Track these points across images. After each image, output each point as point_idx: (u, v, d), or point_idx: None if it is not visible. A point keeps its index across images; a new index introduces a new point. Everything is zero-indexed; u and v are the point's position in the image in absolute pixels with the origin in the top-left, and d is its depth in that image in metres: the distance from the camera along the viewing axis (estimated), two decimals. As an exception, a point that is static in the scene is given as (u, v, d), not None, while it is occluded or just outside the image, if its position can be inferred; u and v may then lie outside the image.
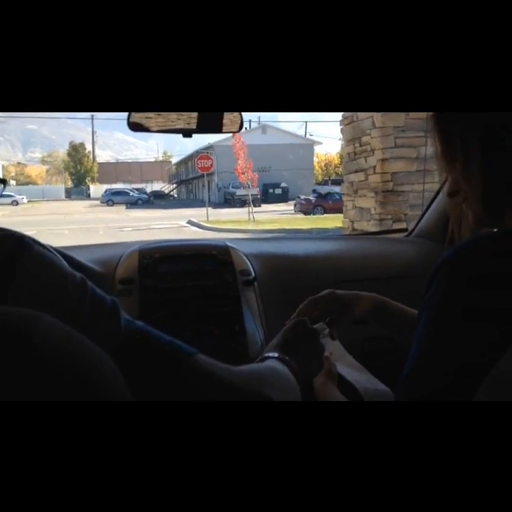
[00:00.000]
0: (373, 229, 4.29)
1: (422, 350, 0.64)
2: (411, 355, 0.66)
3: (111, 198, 32.05)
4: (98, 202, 33.29)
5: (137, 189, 38.77)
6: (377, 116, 4.43)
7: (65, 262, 0.56)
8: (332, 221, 12.37)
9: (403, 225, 4.02)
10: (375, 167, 4.53)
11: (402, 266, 1.50)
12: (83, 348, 0.39)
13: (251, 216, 16.90)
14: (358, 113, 4.69)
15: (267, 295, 1.32)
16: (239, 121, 1.28)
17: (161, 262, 1.27)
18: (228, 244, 1.38)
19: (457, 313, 0.60)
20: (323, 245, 1.61)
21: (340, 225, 6.29)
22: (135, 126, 1.18)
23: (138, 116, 1.24)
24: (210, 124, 1.33)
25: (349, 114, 4.90)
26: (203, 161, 19.17)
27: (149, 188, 44.56)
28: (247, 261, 1.35)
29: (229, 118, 1.36)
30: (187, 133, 1.20)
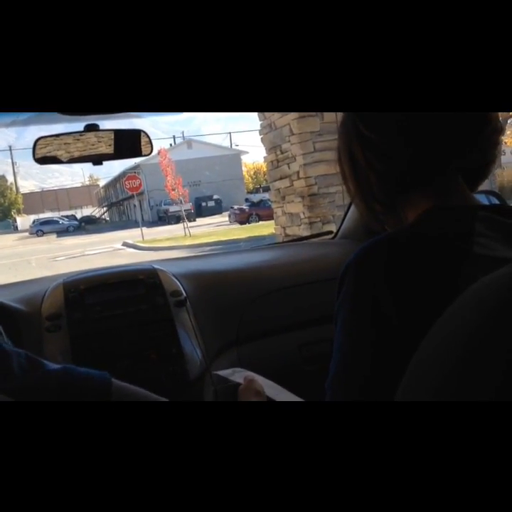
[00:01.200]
0: (305, 233, 4.38)
1: (341, 354, 0.67)
2: (333, 359, 0.69)
3: (40, 228, 30.94)
4: (27, 234, 32.05)
5: (66, 216, 37.63)
6: (294, 123, 4.54)
7: None
8: (267, 228, 12.49)
9: (332, 226, 4.13)
10: (298, 172, 4.62)
11: (329, 269, 1.53)
12: None
13: (187, 231, 16.81)
14: (276, 122, 4.80)
15: (201, 313, 1.32)
16: (150, 144, 1.29)
17: (87, 293, 1.25)
18: (156, 266, 1.37)
19: (367, 313, 0.63)
20: (252, 257, 1.63)
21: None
22: (42, 161, 1.16)
23: (46, 149, 1.21)
24: (127, 148, 1.32)
25: (266, 123, 5.01)
26: (130, 181, 18.93)
27: (79, 214, 43.40)
28: (177, 281, 1.34)
29: (144, 140, 1.36)
30: (97, 161, 1.18)
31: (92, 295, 1.25)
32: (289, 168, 4.74)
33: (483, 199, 1.20)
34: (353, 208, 1.71)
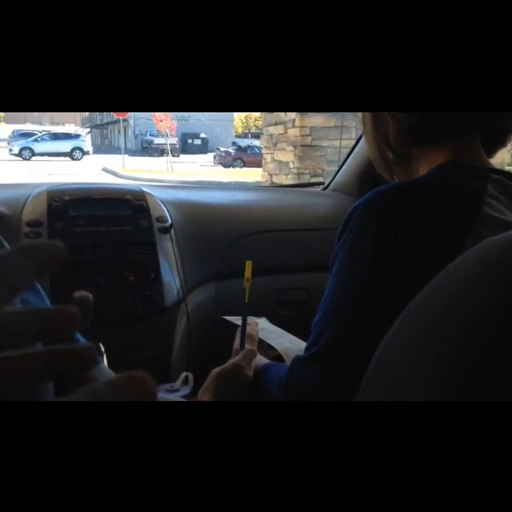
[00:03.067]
0: (292, 182, 4.34)
1: (335, 292, 0.66)
2: (324, 299, 0.69)
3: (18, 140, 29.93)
4: (5, 143, 30.97)
5: (46, 131, 36.47)
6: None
7: None
8: (251, 175, 12.37)
9: (320, 180, 4.10)
10: (294, 120, 4.53)
11: (317, 218, 1.53)
12: None
13: (169, 166, 16.51)
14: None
15: (184, 243, 1.31)
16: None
17: (71, 204, 1.21)
18: (144, 189, 1.33)
19: (369, 252, 0.62)
20: (242, 195, 1.61)
21: (259, 179, 6.30)
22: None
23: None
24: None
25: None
26: (119, 105, 18.30)
27: (60, 130, 42.09)
28: (164, 207, 1.32)
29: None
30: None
31: (76, 207, 1.22)
32: (285, 114, 4.63)
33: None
34: (349, 162, 1.69)
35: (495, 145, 0.74)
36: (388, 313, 0.55)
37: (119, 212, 1.25)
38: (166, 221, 1.28)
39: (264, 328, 1.12)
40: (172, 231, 1.28)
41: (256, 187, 1.82)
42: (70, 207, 1.21)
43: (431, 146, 0.70)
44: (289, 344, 1.05)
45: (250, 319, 1.14)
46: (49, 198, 1.20)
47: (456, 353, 0.39)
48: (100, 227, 1.21)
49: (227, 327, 1.17)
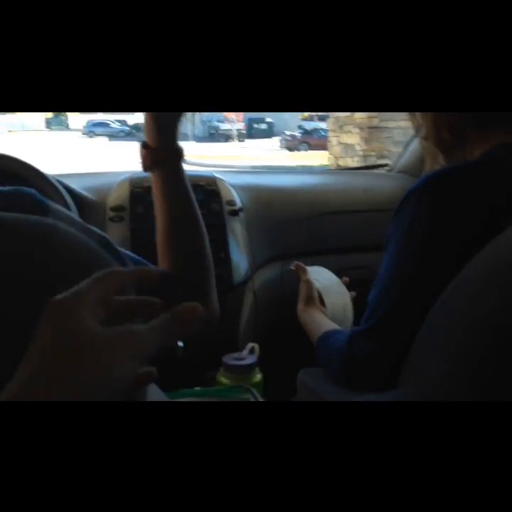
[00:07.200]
0: (358, 165, 4.32)
1: (386, 274, 0.71)
2: (378, 277, 0.73)
3: (92, 130, 31.10)
4: (79, 133, 32.29)
5: (118, 120, 37.60)
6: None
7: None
8: (317, 158, 12.26)
9: (387, 161, 4.04)
10: (361, 103, 4.47)
11: (383, 199, 1.56)
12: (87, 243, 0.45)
13: (235, 151, 16.64)
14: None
15: (253, 225, 1.38)
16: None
17: (151, 190, 1.31)
18: (216, 175, 1.42)
19: (423, 236, 0.67)
20: (308, 179, 1.66)
21: (325, 162, 6.28)
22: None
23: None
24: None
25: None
26: (186, 92, 18.61)
27: (131, 119, 43.28)
28: (234, 192, 1.40)
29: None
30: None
31: None
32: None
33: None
34: (414, 143, 1.69)
35: None
36: (436, 293, 0.59)
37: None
38: (235, 204, 1.36)
39: (317, 278, 1.12)
40: (241, 214, 1.36)
41: (322, 170, 1.86)
42: (150, 193, 1.31)
43: (490, 128, 0.71)
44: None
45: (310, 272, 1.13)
46: (131, 185, 1.31)
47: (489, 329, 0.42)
48: None
49: (293, 303, 1.23)
